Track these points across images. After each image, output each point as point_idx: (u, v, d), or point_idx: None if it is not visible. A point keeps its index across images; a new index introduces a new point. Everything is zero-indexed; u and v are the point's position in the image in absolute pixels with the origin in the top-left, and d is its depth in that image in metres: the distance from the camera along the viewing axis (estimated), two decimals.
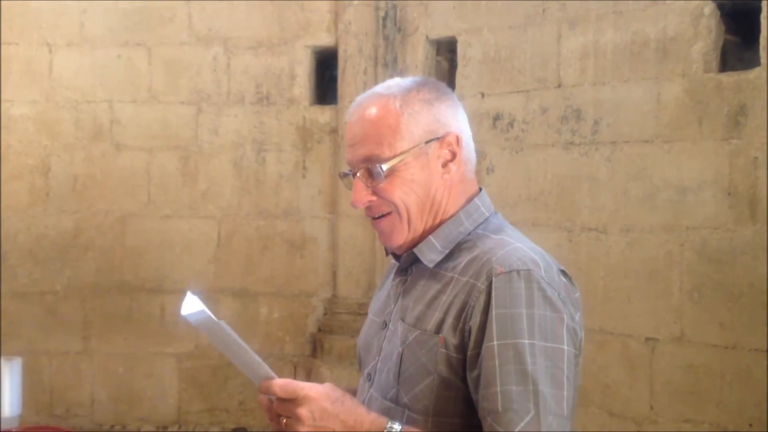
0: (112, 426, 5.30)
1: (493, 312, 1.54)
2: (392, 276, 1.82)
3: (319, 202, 5.29)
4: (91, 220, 5.28)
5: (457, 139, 1.70)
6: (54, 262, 5.27)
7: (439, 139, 1.69)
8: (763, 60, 3.58)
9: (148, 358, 5.30)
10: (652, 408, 3.92)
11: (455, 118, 1.72)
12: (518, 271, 1.56)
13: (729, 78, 3.72)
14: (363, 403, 1.67)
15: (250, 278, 5.30)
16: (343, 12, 5.14)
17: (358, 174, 1.69)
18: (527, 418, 1.48)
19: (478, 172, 1.81)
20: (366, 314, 1.92)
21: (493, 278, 1.56)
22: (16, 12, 5.16)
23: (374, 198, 1.69)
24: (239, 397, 5.25)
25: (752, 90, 3.62)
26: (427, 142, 1.68)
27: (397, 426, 1.54)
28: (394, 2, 5.04)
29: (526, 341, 1.51)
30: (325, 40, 5.25)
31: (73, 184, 5.28)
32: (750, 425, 3.59)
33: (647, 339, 3.93)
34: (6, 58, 5.16)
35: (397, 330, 1.70)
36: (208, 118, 5.29)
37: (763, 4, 3.57)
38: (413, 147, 1.67)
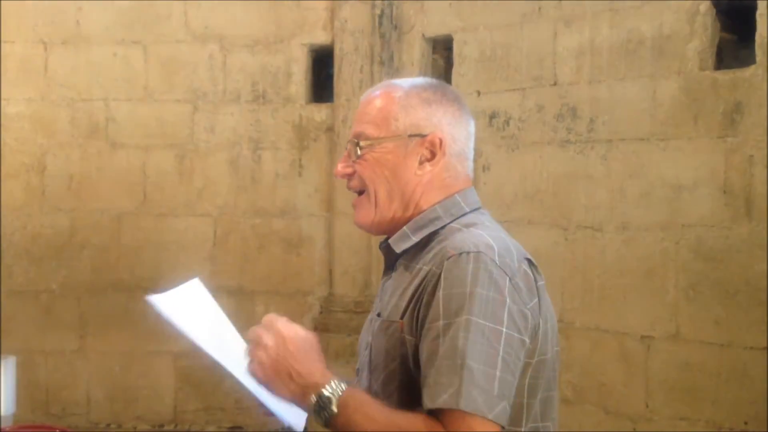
0: (108, 425, 5.29)
1: (440, 293, 1.56)
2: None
3: (316, 201, 5.28)
4: (86, 219, 5.27)
5: (441, 142, 1.72)
6: (50, 260, 5.26)
7: (423, 137, 1.72)
8: (758, 58, 3.59)
9: (144, 357, 5.29)
10: (647, 406, 3.92)
11: (451, 124, 1.74)
12: (468, 253, 1.58)
13: (725, 76, 3.72)
14: None
15: (247, 277, 5.29)
16: (339, 10, 5.13)
17: (348, 146, 1.78)
18: (450, 391, 1.47)
19: (473, 171, 1.82)
20: (362, 312, 1.97)
21: (445, 261, 1.59)
22: (12, 10, 5.15)
23: (351, 171, 1.76)
24: (235, 396, 5.23)
25: (748, 88, 3.63)
26: (410, 135, 1.72)
27: (333, 385, 1.55)
28: (391, 0, 5.04)
29: (463, 317, 1.52)
30: (321, 38, 5.25)
31: (68, 183, 5.27)
32: (745, 423, 3.60)
33: (643, 337, 3.93)
34: (2, 56, 5.15)
35: (374, 324, 1.74)
36: (204, 116, 5.28)
37: (759, 2, 3.58)
38: (396, 136, 1.72)
